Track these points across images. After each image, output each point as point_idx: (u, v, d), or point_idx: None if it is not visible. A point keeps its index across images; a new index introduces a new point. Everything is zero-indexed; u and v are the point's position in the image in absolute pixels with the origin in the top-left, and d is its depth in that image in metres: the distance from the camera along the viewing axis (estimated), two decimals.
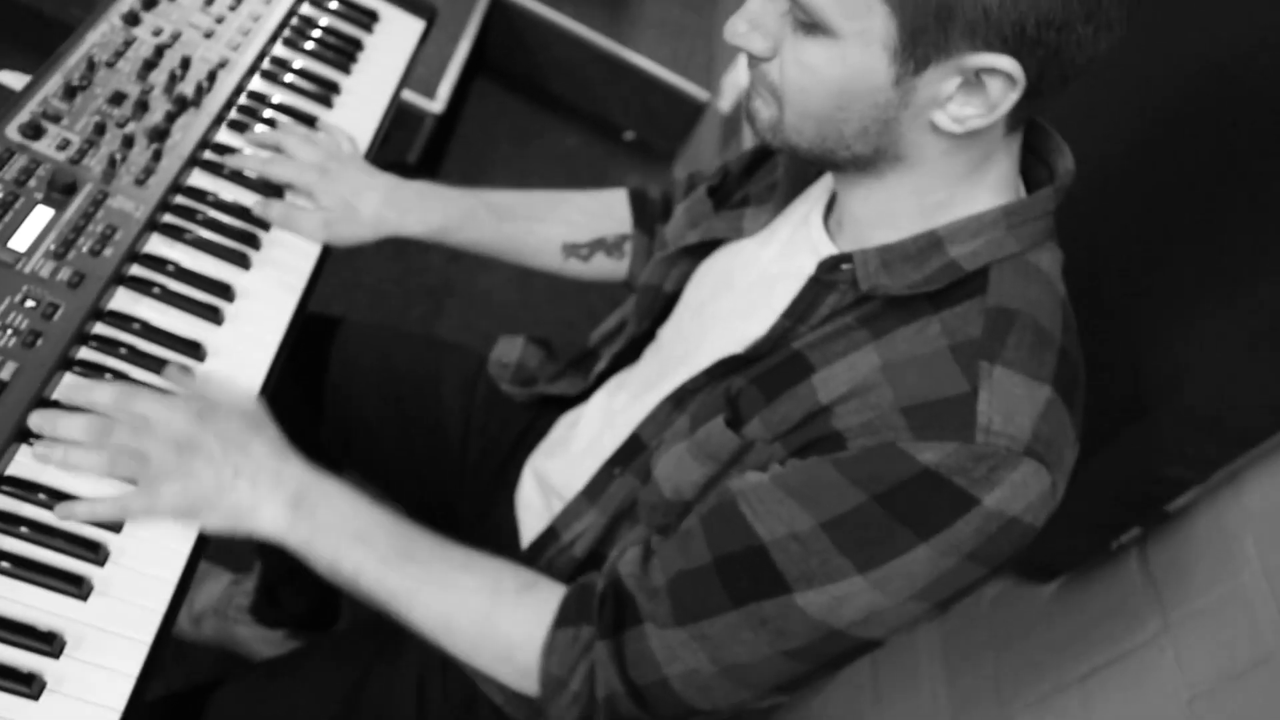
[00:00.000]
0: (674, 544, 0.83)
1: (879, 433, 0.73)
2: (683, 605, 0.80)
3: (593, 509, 0.97)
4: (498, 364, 1.23)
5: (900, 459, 0.72)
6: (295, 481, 0.85)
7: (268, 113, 1.15)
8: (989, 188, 0.79)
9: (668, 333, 1.04)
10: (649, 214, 1.20)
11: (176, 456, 0.82)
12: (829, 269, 0.83)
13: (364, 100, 1.24)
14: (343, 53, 1.27)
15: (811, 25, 0.71)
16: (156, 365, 0.90)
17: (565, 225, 1.18)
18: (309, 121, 1.17)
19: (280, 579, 1.48)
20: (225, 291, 0.98)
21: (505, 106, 2.66)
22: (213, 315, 0.96)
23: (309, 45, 1.24)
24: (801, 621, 0.75)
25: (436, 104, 2.17)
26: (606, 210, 1.21)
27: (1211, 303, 0.93)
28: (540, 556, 1.00)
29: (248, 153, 1.09)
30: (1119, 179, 0.87)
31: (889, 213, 0.80)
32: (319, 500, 0.85)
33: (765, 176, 1.03)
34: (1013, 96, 0.69)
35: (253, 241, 1.04)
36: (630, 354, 1.10)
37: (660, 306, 1.06)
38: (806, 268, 0.85)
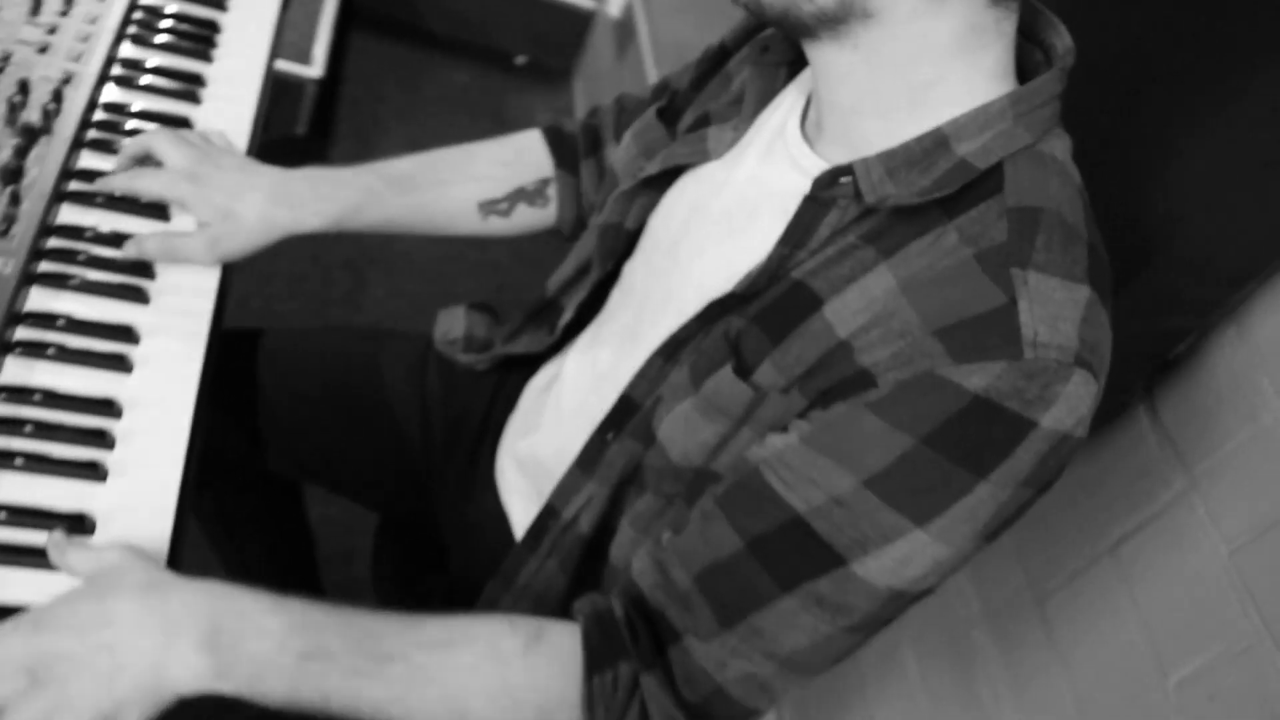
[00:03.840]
0: (692, 537, 0.75)
1: (913, 362, 0.65)
2: (722, 605, 0.72)
3: (590, 480, 0.87)
4: (444, 341, 1.13)
5: (944, 389, 0.64)
6: (196, 616, 0.67)
7: (131, 123, 1.03)
8: (986, 74, 0.71)
9: (638, 274, 0.94)
10: (570, 150, 1.09)
11: (36, 688, 0.64)
12: (826, 184, 0.73)
13: (235, 87, 1.12)
14: (199, 39, 1.14)
15: None
16: (67, 435, 0.80)
17: (477, 182, 1.07)
18: (182, 124, 1.06)
19: None
20: (128, 335, 0.88)
21: (387, 56, 2.51)
22: (120, 364, 0.86)
23: (160, 39, 1.12)
24: (863, 592, 0.68)
25: (314, 68, 2.04)
26: (520, 157, 1.09)
27: (1192, 143, 0.87)
28: (541, 539, 0.91)
29: (111, 170, 0.96)
30: (1095, 27, 0.80)
31: (875, 95, 0.72)
32: (238, 627, 0.67)
33: (720, 90, 0.92)
34: None
35: (147, 272, 0.93)
36: (595, 300, 1.00)
37: (624, 245, 0.96)
38: (796, 185, 0.76)
